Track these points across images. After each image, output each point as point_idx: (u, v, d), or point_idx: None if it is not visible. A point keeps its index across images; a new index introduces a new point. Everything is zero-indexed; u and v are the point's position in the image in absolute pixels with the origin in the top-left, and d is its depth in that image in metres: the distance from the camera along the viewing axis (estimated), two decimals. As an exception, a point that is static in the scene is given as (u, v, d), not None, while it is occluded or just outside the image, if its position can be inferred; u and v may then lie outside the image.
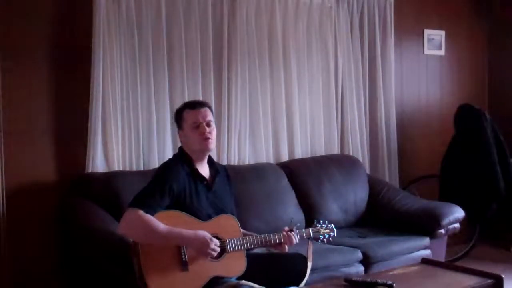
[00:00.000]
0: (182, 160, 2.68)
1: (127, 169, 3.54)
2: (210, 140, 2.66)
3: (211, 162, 2.80)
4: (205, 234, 2.46)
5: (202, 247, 2.45)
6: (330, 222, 2.94)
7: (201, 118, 2.67)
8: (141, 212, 2.41)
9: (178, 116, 2.75)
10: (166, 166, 2.66)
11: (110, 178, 3.30)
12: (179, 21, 3.71)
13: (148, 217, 2.41)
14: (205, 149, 2.68)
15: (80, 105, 3.42)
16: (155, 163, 3.54)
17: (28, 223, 3.31)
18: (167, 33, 3.68)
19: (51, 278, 3.34)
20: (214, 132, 2.71)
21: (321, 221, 2.92)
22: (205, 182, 2.68)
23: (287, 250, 2.74)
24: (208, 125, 2.68)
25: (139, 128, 3.60)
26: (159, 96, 3.67)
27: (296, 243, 2.75)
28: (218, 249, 2.49)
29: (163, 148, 3.67)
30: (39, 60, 3.35)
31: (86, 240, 2.90)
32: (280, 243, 2.71)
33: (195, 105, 2.73)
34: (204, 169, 2.73)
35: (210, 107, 2.77)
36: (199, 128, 2.65)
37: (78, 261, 3.05)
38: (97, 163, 3.41)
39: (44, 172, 3.37)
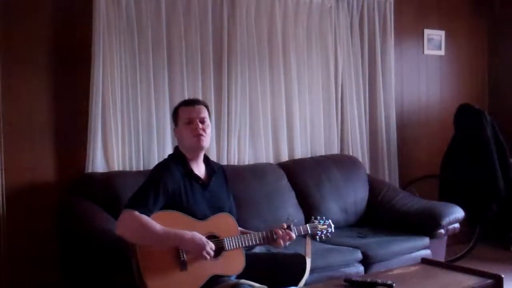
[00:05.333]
0: (177, 160, 2.67)
1: (127, 169, 3.55)
2: (202, 137, 2.64)
3: (207, 161, 2.79)
4: (201, 237, 2.46)
5: (197, 250, 2.44)
6: (327, 218, 2.94)
7: (194, 114, 2.66)
8: (136, 213, 2.40)
9: (175, 113, 2.76)
10: (160, 166, 2.66)
11: (110, 178, 3.30)
12: (179, 21, 3.72)
13: (144, 218, 2.40)
14: (197, 145, 2.65)
15: (80, 105, 3.43)
16: (155, 163, 3.52)
17: (28, 223, 3.31)
18: (167, 33, 3.69)
19: (51, 278, 3.34)
20: (209, 130, 2.69)
21: (318, 217, 2.91)
22: (201, 182, 2.68)
23: (283, 246, 2.71)
24: (202, 122, 2.67)
25: (139, 128, 3.60)
26: (159, 96, 3.67)
27: (294, 237, 2.74)
28: (212, 253, 2.47)
29: (163, 148, 3.67)
30: (39, 60, 3.36)
31: (85, 240, 2.90)
32: (278, 238, 2.70)
33: (190, 102, 2.73)
34: (199, 169, 2.72)
35: (206, 106, 2.76)
36: (192, 124, 2.65)
37: (78, 261, 3.05)
38: (97, 163, 3.42)
39: (44, 172, 3.37)
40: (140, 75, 3.60)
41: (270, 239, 2.70)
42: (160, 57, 3.66)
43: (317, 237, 2.86)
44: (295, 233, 2.75)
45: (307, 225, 2.86)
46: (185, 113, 2.69)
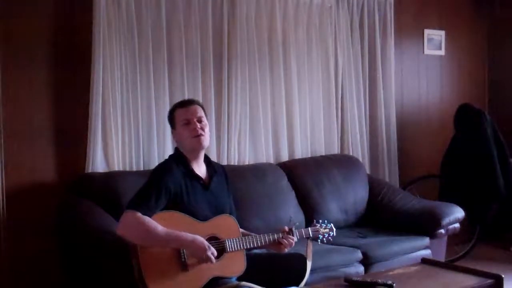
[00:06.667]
0: (178, 160, 2.67)
1: (127, 169, 3.54)
2: (202, 136, 2.63)
3: (208, 161, 2.79)
4: (203, 241, 2.45)
5: (198, 253, 2.44)
6: (329, 222, 2.94)
7: (191, 115, 2.66)
8: (139, 214, 2.40)
9: (171, 116, 2.75)
10: (162, 167, 2.65)
11: (110, 178, 3.30)
12: (179, 21, 3.72)
13: (146, 219, 2.40)
14: (198, 145, 2.65)
15: (80, 105, 3.43)
16: (155, 163, 3.52)
17: (28, 223, 3.31)
18: (167, 33, 3.69)
19: (51, 278, 3.34)
20: (207, 129, 2.69)
21: (320, 221, 2.92)
22: (202, 182, 2.67)
23: (286, 251, 2.73)
24: (199, 121, 2.66)
25: (139, 128, 3.60)
26: (159, 96, 3.67)
27: (295, 241, 2.75)
28: (214, 259, 2.47)
29: (163, 148, 3.67)
30: (39, 60, 3.35)
31: (86, 240, 2.90)
32: (280, 243, 2.71)
33: (185, 104, 2.73)
34: (200, 169, 2.72)
35: (201, 105, 2.76)
36: (190, 124, 2.65)
37: (78, 261, 3.04)
38: (97, 163, 3.41)
39: (44, 172, 3.37)
40: (140, 75, 3.60)
41: (272, 244, 2.71)
42: (160, 57, 3.66)
43: (319, 240, 2.87)
44: (296, 237, 2.76)
45: (309, 228, 2.87)
46: (181, 115, 2.68)
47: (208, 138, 2.71)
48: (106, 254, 2.72)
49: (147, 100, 3.63)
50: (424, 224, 3.78)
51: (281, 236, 2.72)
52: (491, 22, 5.54)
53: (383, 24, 4.72)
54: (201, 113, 2.70)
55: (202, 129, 2.65)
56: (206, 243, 2.45)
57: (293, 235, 2.74)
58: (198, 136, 2.63)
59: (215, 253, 2.48)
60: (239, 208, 2.97)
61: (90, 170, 3.39)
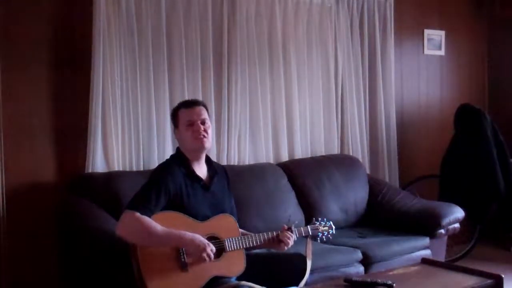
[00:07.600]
0: (179, 161, 2.67)
1: (127, 169, 3.55)
2: (205, 138, 2.64)
3: (209, 162, 2.79)
4: (202, 239, 2.46)
5: (198, 251, 2.44)
6: (328, 220, 2.94)
7: (195, 117, 2.67)
8: (138, 214, 2.40)
9: (174, 115, 2.75)
10: (162, 167, 2.66)
11: (110, 178, 3.30)
12: (179, 21, 3.72)
13: (145, 219, 2.40)
14: (200, 147, 2.66)
15: (80, 105, 3.43)
16: (155, 163, 3.54)
17: (28, 223, 3.31)
18: (167, 33, 3.69)
19: (51, 278, 3.34)
20: (210, 131, 2.70)
21: (320, 219, 2.92)
22: (202, 183, 2.68)
23: (286, 249, 2.73)
24: (203, 123, 2.67)
25: (139, 128, 3.60)
26: (159, 96, 3.67)
27: (295, 240, 2.75)
28: (213, 255, 2.47)
29: (163, 148, 3.67)
30: (39, 60, 3.35)
31: (85, 240, 2.90)
32: (279, 241, 2.71)
33: (189, 104, 2.73)
34: (201, 169, 2.72)
35: (205, 106, 2.76)
36: (193, 126, 2.65)
37: (77, 261, 3.05)
38: (97, 163, 3.41)
39: (44, 172, 3.37)
40: (140, 75, 3.60)
41: (271, 242, 2.71)
42: (160, 57, 3.66)
43: (318, 238, 2.86)
44: (296, 235, 2.76)
45: (308, 226, 2.87)
46: (185, 116, 2.68)
47: (210, 140, 2.71)
48: (106, 254, 2.72)
49: (147, 100, 3.63)
50: (424, 224, 3.78)
51: (280, 233, 2.72)
52: (491, 22, 5.53)
53: (383, 24, 4.72)
54: (205, 115, 2.71)
55: (205, 131, 2.66)
56: (205, 241, 2.46)
57: (292, 233, 2.74)
58: (201, 138, 2.64)
59: (214, 249, 2.48)
60: (238, 208, 2.97)
61: (90, 170, 3.39)
